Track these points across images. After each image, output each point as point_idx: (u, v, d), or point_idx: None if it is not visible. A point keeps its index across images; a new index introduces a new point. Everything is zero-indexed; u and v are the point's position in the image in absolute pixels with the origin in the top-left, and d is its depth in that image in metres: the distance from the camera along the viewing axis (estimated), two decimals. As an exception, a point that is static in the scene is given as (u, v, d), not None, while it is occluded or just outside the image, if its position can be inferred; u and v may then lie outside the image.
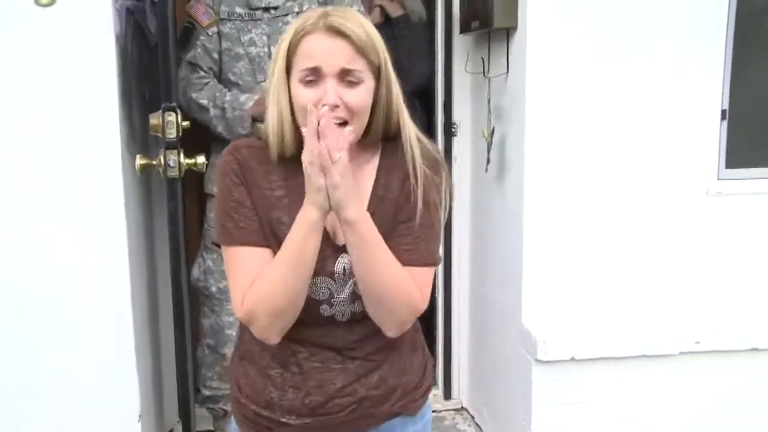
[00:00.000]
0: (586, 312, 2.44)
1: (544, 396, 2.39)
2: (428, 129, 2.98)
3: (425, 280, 1.41)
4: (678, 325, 2.45)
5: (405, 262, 1.37)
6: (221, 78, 2.59)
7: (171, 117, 2.06)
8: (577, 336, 2.39)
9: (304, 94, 1.30)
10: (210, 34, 2.55)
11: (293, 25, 1.34)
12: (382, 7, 2.92)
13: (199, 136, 2.51)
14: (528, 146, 2.37)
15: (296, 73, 1.31)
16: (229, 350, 2.68)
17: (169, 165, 2.12)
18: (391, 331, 1.39)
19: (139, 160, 2.14)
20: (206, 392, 2.74)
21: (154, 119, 2.08)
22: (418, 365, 1.53)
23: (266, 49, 2.53)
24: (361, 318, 1.40)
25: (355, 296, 1.38)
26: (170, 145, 2.10)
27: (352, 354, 1.43)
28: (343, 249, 1.36)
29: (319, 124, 1.24)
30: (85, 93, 2.09)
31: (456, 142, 2.97)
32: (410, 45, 2.88)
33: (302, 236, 1.29)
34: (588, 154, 2.38)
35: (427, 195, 1.39)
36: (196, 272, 2.68)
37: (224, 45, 2.55)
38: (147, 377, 2.47)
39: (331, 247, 1.37)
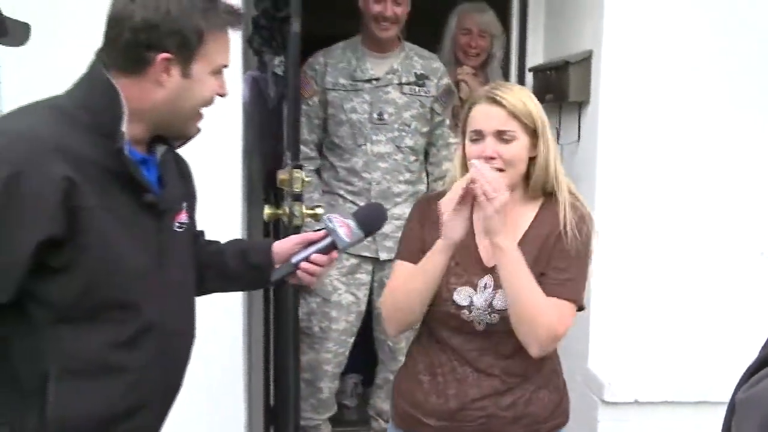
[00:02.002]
0: (650, 360, 2.65)
1: (609, 436, 2.60)
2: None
3: (565, 311, 1.70)
4: (737, 374, 2.63)
5: (550, 294, 1.67)
6: (326, 140, 2.92)
7: (298, 174, 2.33)
8: (641, 381, 2.61)
9: (471, 149, 1.70)
10: (310, 104, 2.88)
11: (469, 97, 1.78)
12: (466, 82, 3.24)
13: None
14: (598, 206, 2.62)
15: (467, 135, 1.71)
16: (324, 384, 2.95)
17: (294, 214, 2.37)
18: (532, 349, 1.68)
19: (267, 210, 2.40)
20: (300, 422, 2.99)
21: (283, 174, 2.34)
22: (549, 402, 1.78)
23: (366, 116, 2.85)
24: (498, 333, 1.70)
25: (492, 309, 1.70)
26: (296, 198, 2.37)
27: (487, 371, 1.73)
28: (489, 270, 1.70)
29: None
30: (214, 150, 2.41)
31: (525, 200, 3.25)
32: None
33: (429, 254, 1.67)
34: (652, 214, 2.62)
35: (572, 244, 1.70)
36: (299, 313, 2.95)
37: (330, 111, 2.88)
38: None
39: (480, 266, 1.73)
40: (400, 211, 2.87)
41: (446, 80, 3.02)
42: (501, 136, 1.67)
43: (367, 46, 2.93)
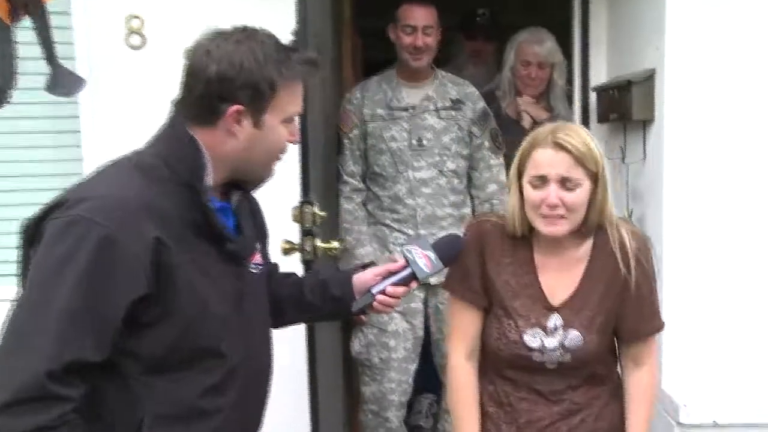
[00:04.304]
0: (729, 380, 2.58)
1: (686, 460, 2.54)
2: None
3: (655, 346, 1.82)
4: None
5: (639, 335, 1.77)
6: (368, 171, 2.98)
7: (308, 209, 2.35)
8: (720, 401, 2.54)
9: (532, 194, 1.67)
10: (351, 137, 2.95)
11: (529, 137, 1.73)
12: (528, 112, 3.25)
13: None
14: (666, 224, 2.60)
15: (527, 177, 1.68)
16: (391, 413, 2.97)
17: (305, 249, 2.38)
18: None
19: (282, 244, 2.36)
20: None
21: (294, 210, 2.36)
22: (618, 412, 1.82)
23: (406, 143, 2.91)
24: (569, 368, 1.72)
25: (565, 349, 1.70)
26: (306, 233, 2.38)
27: (557, 398, 1.75)
28: (555, 309, 1.72)
29: None
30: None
31: (592, 220, 3.23)
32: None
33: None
34: (722, 230, 2.57)
35: (645, 270, 1.74)
36: (357, 346, 2.99)
37: (370, 142, 2.95)
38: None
39: (545, 305, 1.73)
40: None
41: (481, 104, 3.06)
42: (565, 183, 1.64)
43: (402, 77, 3.00)
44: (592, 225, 1.72)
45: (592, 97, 3.13)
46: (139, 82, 2.42)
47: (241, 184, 1.54)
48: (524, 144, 1.73)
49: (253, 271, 1.58)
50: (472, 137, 3.01)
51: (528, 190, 1.68)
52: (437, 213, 2.94)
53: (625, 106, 2.71)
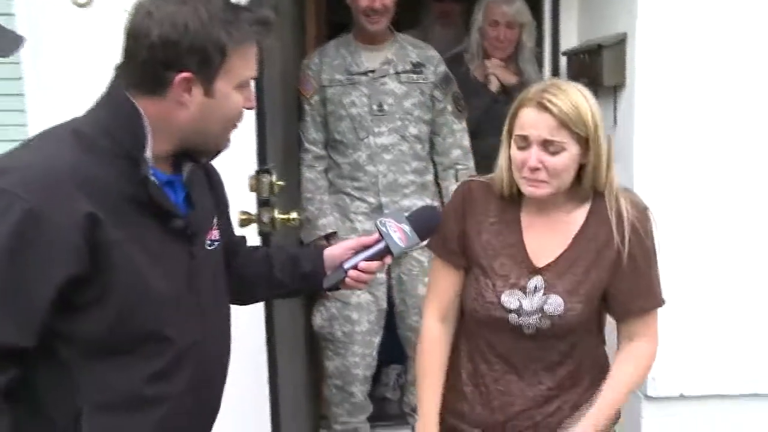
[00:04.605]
0: (696, 352, 2.55)
1: (653, 432, 2.52)
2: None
3: (653, 322, 1.71)
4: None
5: (631, 310, 1.68)
6: (329, 139, 2.88)
7: (265, 178, 2.24)
8: (687, 374, 2.52)
9: (516, 155, 1.60)
10: (312, 103, 2.85)
11: (521, 94, 1.63)
12: (496, 75, 3.16)
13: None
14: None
15: (513, 136, 1.60)
16: (356, 388, 2.91)
17: (262, 220, 2.27)
18: None
19: (239, 215, 2.24)
20: (338, 427, 2.98)
21: (251, 180, 2.25)
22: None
23: (366, 108, 2.81)
24: (548, 337, 1.64)
25: (544, 314, 1.62)
26: (262, 203, 2.27)
27: (532, 378, 1.67)
28: (538, 271, 1.63)
29: None
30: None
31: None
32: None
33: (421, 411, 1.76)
34: (691, 200, 2.53)
35: (643, 242, 1.65)
36: (318, 320, 2.91)
37: (329, 108, 2.84)
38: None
39: (528, 267, 1.65)
40: (409, 203, 2.81)
41: (443, 67, 2.96)
42: (547, 146, 1.55)
43: (360, 40, 2.89)
44: (586, 190, 1.65)
45: (563, 61, 3.04)
46: (86, 42, 2.27)
47: (193, 155, 1.42)
48: (516, 100, 1.64)
49: (209, 247, 1.48)
50: (435, 102, 2.91)
51: (513, 149, 1.61)
52: (399, 180, 2.85)
53: (596, 71, 2.63)
